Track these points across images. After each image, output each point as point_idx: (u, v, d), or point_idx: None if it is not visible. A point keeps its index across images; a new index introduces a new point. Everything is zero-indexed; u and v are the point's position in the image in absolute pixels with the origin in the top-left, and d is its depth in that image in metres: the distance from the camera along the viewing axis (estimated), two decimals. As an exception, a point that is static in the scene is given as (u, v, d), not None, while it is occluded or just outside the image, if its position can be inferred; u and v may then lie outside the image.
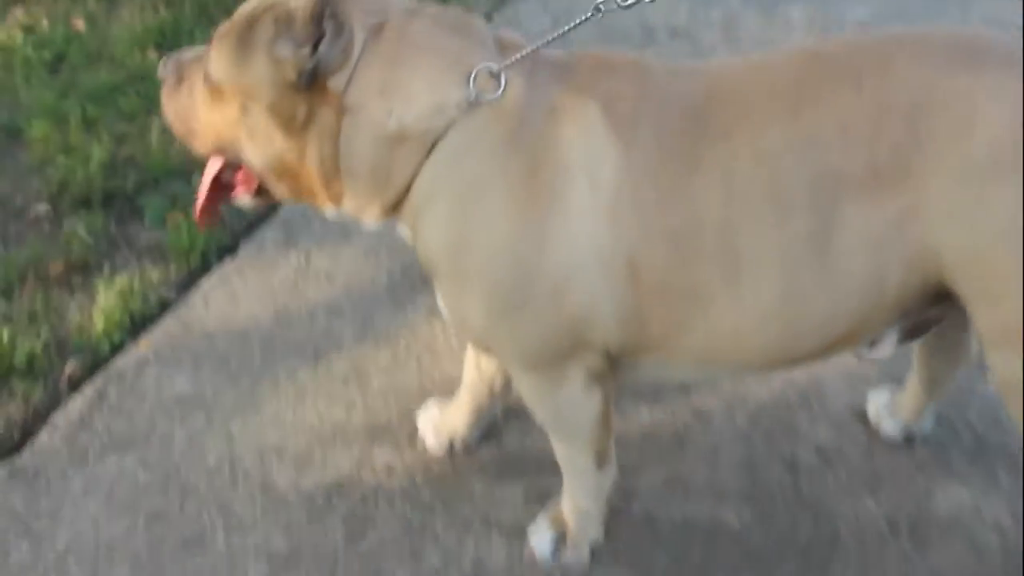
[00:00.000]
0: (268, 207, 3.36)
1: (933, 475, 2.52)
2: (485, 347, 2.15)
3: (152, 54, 4.05)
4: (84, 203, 3.45)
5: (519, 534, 2.44)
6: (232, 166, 2.17)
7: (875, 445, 2.60)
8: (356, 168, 2.01)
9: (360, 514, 2.54)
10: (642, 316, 1.98)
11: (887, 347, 2.14)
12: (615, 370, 2.12)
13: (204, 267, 3.26)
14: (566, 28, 2.05)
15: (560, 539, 2.39)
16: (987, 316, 1.94)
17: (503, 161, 1.94)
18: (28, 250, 3.29)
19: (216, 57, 2.03)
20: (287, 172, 2.06)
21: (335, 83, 1.95)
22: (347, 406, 2.79)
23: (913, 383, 2.54)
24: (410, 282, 3.15)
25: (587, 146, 1.92)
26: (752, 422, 2.67)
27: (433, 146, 1.96)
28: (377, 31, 1.97)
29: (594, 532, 2.40)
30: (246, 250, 3.32)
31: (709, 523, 2.47)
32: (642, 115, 1.94)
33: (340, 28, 1.94)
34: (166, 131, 3.49)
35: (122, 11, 4.34)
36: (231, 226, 3.39)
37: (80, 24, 4.24)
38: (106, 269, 3.24)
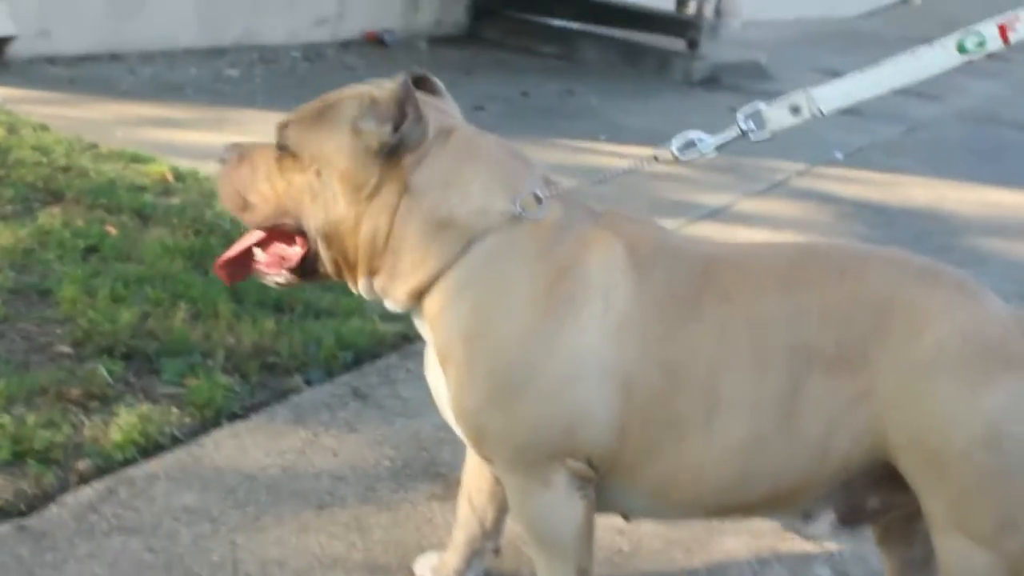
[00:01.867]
0: (276, 393, 3.55)
1: None
2: (478, 438, 2.33)
3: (179, 263, 4.30)
4: (107, 351, 3.59)
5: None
6: (270, 243, 2.43)
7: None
8: (402, 245, 2.29)
9: (358, 624, 2.59)
10: (623, 434, 2.24)
11: (824, 525, 2.39)
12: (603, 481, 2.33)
13: (216, 424, 3.39)
14: (614, 173, 2.46)
15: None
16: (930, 502, 2.22)
17: (532, 268, 2.26)
18: (49, 375, 3.41)
19: (297, 127, 2.33)
20: (338, 238, 2.32)
21: (406, 163, 2.27)
22: (348, 545, 2.89)
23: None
24: (412, 472, 3.29)
25: (608, 273, 2.25)
26: None
27: (469, 244, 2.27)
28: (447, 133, 2.32)
29: None
30: (257, 419, 3.46)
31: None
32: (658, 261, 2.28)
33: (419, 116, 2.26)
34: (189, 316, 3.74)
35: (153, 230, 4.62)
36: (242, 400, 3.54)
37: (112, 230, 4.51)
38: (124, 401, 3.35)
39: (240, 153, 2.43)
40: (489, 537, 2.72)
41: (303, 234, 2.37)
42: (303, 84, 8.49)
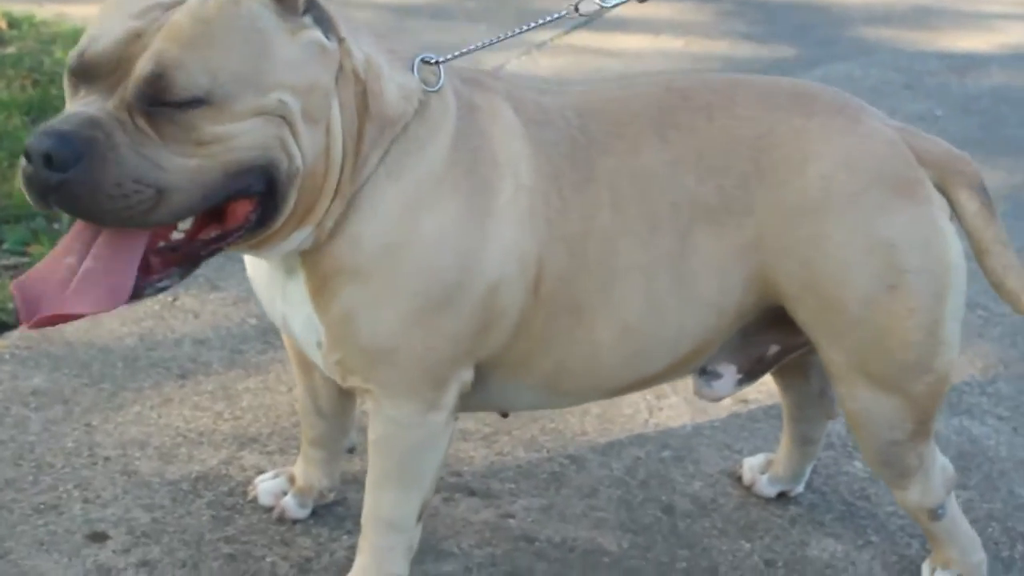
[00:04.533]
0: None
1: (807, 529, 2.54)
2: (372, 365, 1.96)
3: (16, 119, 3.98)
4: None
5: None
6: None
7: (748, 500, 2.61)
8: (361, 151, 1.85)
9: (228, 504, 2.43)
10: (523, 329, 1.99)
11: (727, 383, 2.25)
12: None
13: (63, 293, 3.13)
14: (534, 24, 2.15)
15: None
16: (830, 349, 2.08)
17: (449, 155, 1.91)
18: None
19: (204, 68, 1.67)
20: (309, 172, 1.79)
21: (345, 51, 1.82)
22: (215, 416, 2.69)
23: (785, 442, 2.60)
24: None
25: (510, 146, 1.96)
26: (627, 471, 2.67)
27: (397, 134, 1.88)
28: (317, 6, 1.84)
29: None
30: (109, 285, 3.21)
31: (588, 545, 2.42)
32: (542, 120, 2.00)
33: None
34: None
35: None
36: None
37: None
38: (-44, 278, 3.08)
39: (97, 138, 1.64)
40: (344, 438, 2.43)
41: (249, 195, 1.76)
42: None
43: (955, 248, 2.03)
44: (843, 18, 7.46)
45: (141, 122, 1.66)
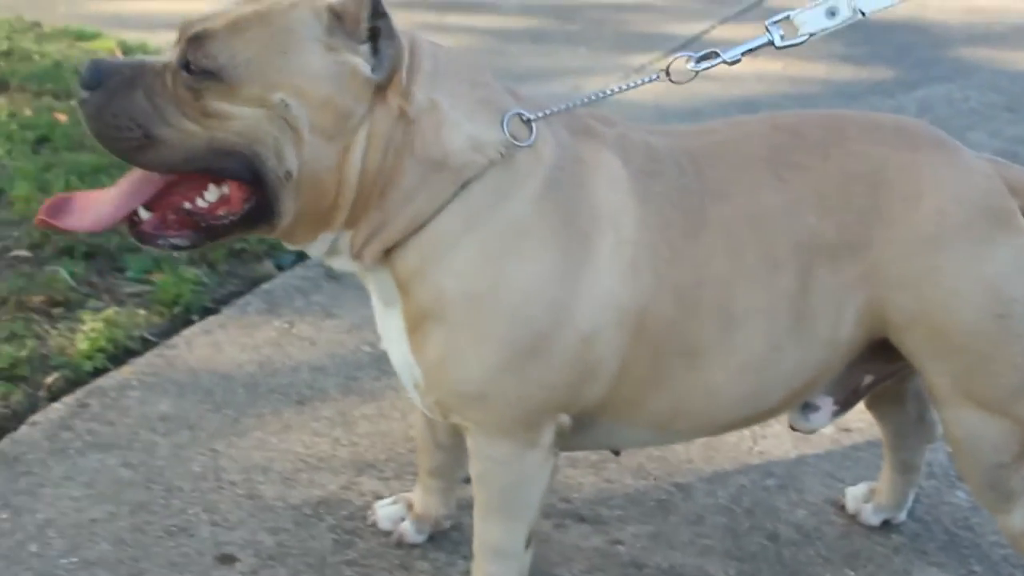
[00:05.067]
0: (246, 281, 3.43)
1: (909, 558, 2.58)
2: (466, 408, 2.03)
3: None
4: (66, 252, 3.45)
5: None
6: (168, 199, 1.90)
7: (852, 529, 2.66)
8: (395, 186, 1.90)
9: (348, 527, 2.52)
10: (626, 374, 2.02)
11: (824, 415, 2.29)
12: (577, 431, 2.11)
13: (186, 322, 3.27)
14: (623, 87, 2.16)
15: None
16: (937, 375, 2.12)
17: (543, 205, 1.94)
18: (8, 283, 3.28)
19: (232, 48, 1.81)
20: (315, 182, 1.87)
21: (394, 89, 1.88)
22: (333, 442, 2.79)
23: (887, 471, 2.64)
24: (393, 354, 3.18)
25: (613, 197, 1.99)
26: (732, 499, 2.72)
27: (464, 184, 1.91)
28: (412, 45, 1.93)
29: None
30: (228, 313, 3.34)
31: (695, 572, 2.48)
32: (652, 170, 2.03)
33: (392, 28, 1.87)
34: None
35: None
36: (212, 292, 3.41)
37: (63, 117, 4.32)
38: (88, 306, 3.22)
39: (124, 75, 1.85)
40: (460, 467, 2.46)
41: (246, 178, 1.86)
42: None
43: None
44: (943, 39, 7.44)
45: (171, 79, 1.83)
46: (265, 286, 3.47)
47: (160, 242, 1.90)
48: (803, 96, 5.84)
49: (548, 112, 1.99)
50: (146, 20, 5.41)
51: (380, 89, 1.86)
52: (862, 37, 7.19)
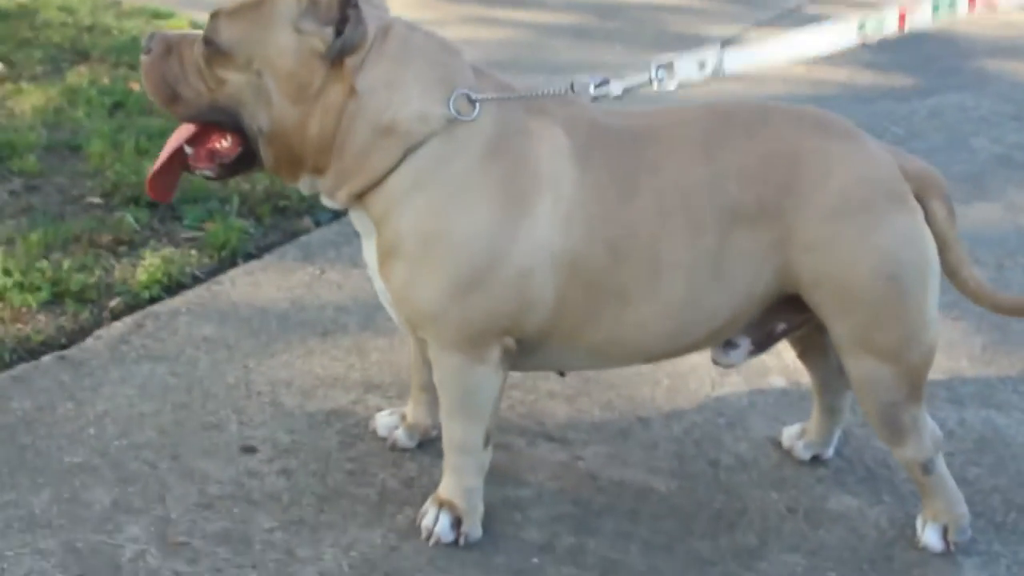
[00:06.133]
0: (287, 233, 3.93)
1: (830, 486, 3.01)
2: (423, 325, 2.49)
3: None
4: (133, 200, 3.97)
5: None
6: (202, 138, 2.45)
7: (785, 461, 3.10)
8: (347, 145, 2.37)
9: (353, 432, 2.99)
10: (565, 308, 2.48)
11: (741, 353, 2.74)
12: (518, 355, 2.54)
13: (232, 263, 3.78)
14: (539, 93, 2.53)
15: (455, 520, 2.63)
16: (839, 327, 2.58)
17: (483, 166, 2.39)
18: (82, 223, 3.81)
19: (230, 24, 2.33)
20: (282, 138, 2.36)
21: (350, 66, 2.33)
22: (347, 366, 3.28)
23: (815, 412, 3.08)
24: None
25: (554, 163, 2.44)
26: (685, 432, 3.17)
27: (412, 148, 2.37)
28: (385, 31, 2.38)
29: (481, 507, 2.67)
30: (268, 259, 3.84)
31: (642, 485, 2.93)
32: (594, 143, 2.48)
33: (360, 17, 2.32)
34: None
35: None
36: (256, 241, 3.92)
37: (136, 86, 4.85)
38: (149, 246, 3.74)
39: (167, 44, 2.42)
40: None
41: (239, 131, 2.40)
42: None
43: (932, 246, 2.55)
44: (969, 50, 7.76)
45: (197, 50, 2.38)
46: (303, 238, 3.97)
47: (196, 171, 2.47)
48: (821, 97, 6.20)
49: (497, 96, 2.44)
50: (217, 1, 5.92)
51: (337, 66, 2.33)
52: (891, 45, 7.49)
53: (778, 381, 3.43)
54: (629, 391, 3.30)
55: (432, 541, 2.62)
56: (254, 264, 3.77)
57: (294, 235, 3.98)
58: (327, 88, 2.34)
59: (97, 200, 4.01)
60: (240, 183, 4.14)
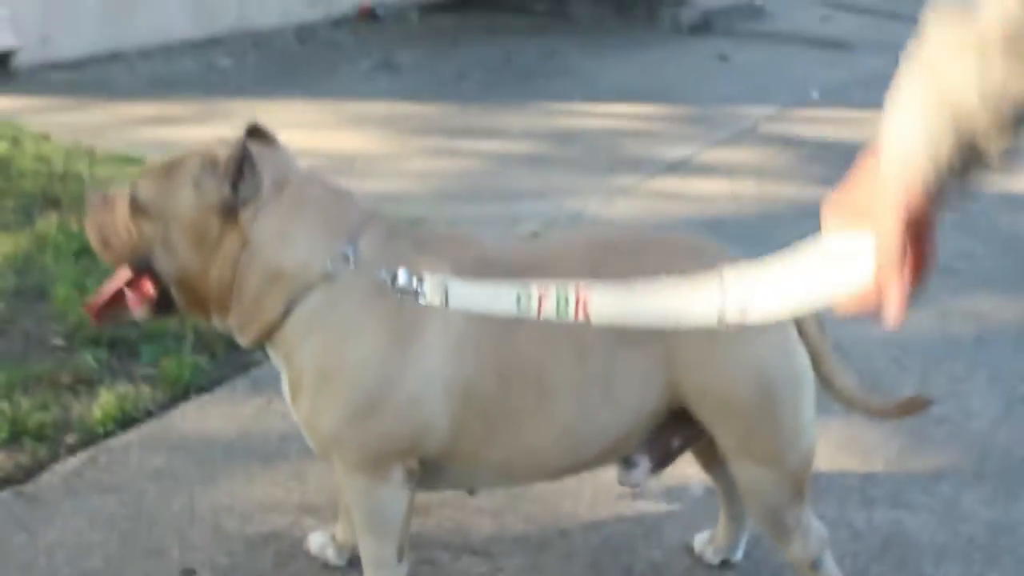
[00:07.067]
0: (239, 367, 4.19)
1: (735, 588, 3.25)
2: (328, 450, 2.70)
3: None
4: (94, 342, 4.23)
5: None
6: (134, 282, 2.70)
7: (696, 566, 3.31)
8: (243, 291, 2.60)
9: (287, 552, 3.22)
10: (461, 432, 2.68)
11: (642, 472, 2.90)
12: (425, 476, 2.72)
13: (185, 397, 4.03)
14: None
15: None
16: (723, 437, 2.80)
17: (370, 307, 2.58)
18: (45, 366, 4.07)
19: (147, 183, 2.63)
20: (188, 282, 2.63)
21: (244, 217, 2.57)
22: (287, 491, 3.51)
23: (722, 519, 3.29)
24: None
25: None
26: (603, 542, 3.38)
27: (299, 294, 2.58)
28: (280, 185, 2.61)
29: None
30: (219, 392, 4.10)
31: (557, 593, 3.17)
32: (480, 275, 2.63)
33: (255, 174, 2.56)
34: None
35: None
36: (209, 374, 4.18)
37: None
38: (106, 383, 4.00)
39: (104, 199, 2.73)
40: None
41: (149, 274, 2.67)
42: (293, 67, 9.13)
43: (804, 359, 2.76)
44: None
45: (126, 204, 2.67)
46: (254, 371, 4.22)
47: (131, 310, 2.73)
48: (770, 215, 6.44)
49: (374, 240, 2.63)
50: (187, 145, 6.23)
51: (233, 218, 2.59)
52: (843, 159, 7.78)
53: (697, 489, 3.64)
54: (552, 505, 3.52)
55: (354, 654, 2.82)
56: (205, 397, 4.01)
57: (246, 368, 4.22)
58: (224, 238, 2.58)
59: (60, 342, 4.27)
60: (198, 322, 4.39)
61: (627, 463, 2.92)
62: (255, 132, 2.72)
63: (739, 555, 3.31)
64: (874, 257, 1.55)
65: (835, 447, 3.79)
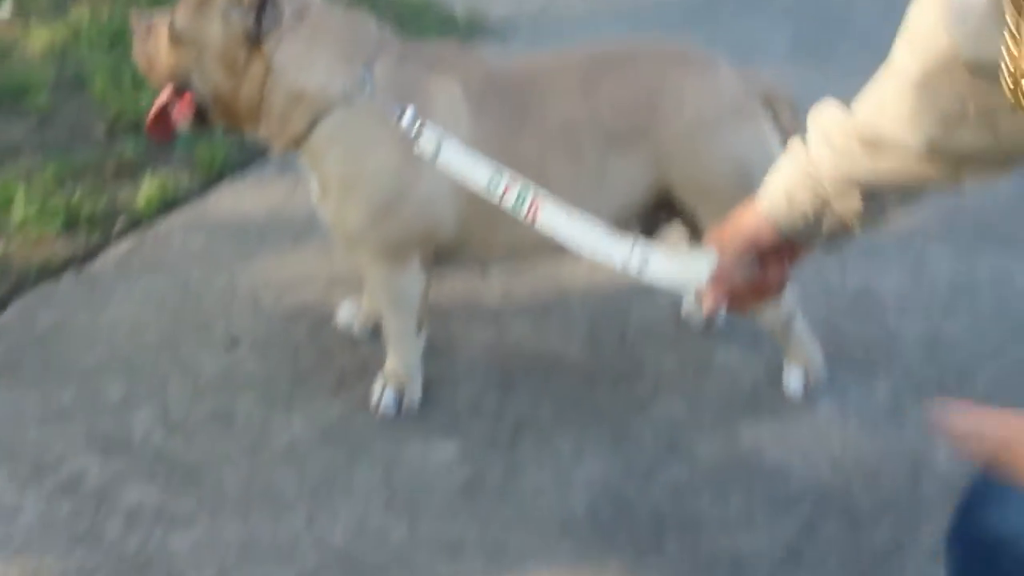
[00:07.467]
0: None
1: (717, 343, 3.64)
2: (354, 244, 3.01)
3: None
4: (133, 129, 4.57)
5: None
6: (177, 100, 2.94)
7: (681, 328, 3.72)
8: (270, 111, 2.85)
9: (319, 322, 3.62)
10: (470, 224, 2.94)
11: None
12: (441, 258, 3.03)
13: (219, 179, 4.40)
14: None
15: (399, 394, 3.23)
16: (704, 218, 3.06)
17: (387, 123, 2.68)
18: (90, 156, 4.42)
19: (182, 14, 2.83)
20: (222, 101, 2.87)
21: (267, 46, 2.79)
22: (316, 266, 3.89)
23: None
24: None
25: (450, 111, 2.83)
26: (599, 308, 3.79)
27: (319, 114, 2.82)
28: (301, 14, 2.81)
29: (420, 377, 3.25)
30: (251, 176, 4.45)
31: (557, 351, 3.55)
32: (487, 90, 2.94)
33: (276, 6, 2.77)
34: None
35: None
36: (239, 158, 4.52)
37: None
38: (148, 171, 4.36)
39: (148, 28, 2.96)
40: None
41: (188, 91, 2.92)
42: None
43: (777, 146, 3.01)
44: None
45: (165, 31, 2.92)
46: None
47: (175, 124, 3.01)
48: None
49: (379, 70, 2.85)
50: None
51: (256, 46, 2.81)
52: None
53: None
54: (556, 275, 3.88)
55: (380, 412, 3.26)
56: (238, 183, 4.36)
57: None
58: (250, 65, 2.81)
59: (102, 132, 4.61)
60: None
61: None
62: None
63: (721, 320, 3.69)
64: (711, 269, 1.94)
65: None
